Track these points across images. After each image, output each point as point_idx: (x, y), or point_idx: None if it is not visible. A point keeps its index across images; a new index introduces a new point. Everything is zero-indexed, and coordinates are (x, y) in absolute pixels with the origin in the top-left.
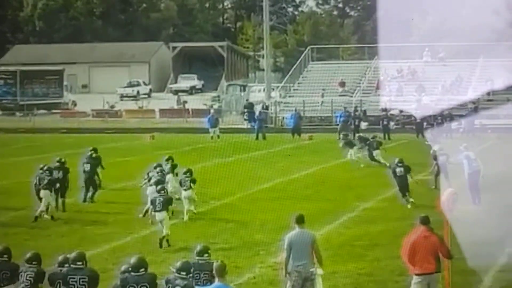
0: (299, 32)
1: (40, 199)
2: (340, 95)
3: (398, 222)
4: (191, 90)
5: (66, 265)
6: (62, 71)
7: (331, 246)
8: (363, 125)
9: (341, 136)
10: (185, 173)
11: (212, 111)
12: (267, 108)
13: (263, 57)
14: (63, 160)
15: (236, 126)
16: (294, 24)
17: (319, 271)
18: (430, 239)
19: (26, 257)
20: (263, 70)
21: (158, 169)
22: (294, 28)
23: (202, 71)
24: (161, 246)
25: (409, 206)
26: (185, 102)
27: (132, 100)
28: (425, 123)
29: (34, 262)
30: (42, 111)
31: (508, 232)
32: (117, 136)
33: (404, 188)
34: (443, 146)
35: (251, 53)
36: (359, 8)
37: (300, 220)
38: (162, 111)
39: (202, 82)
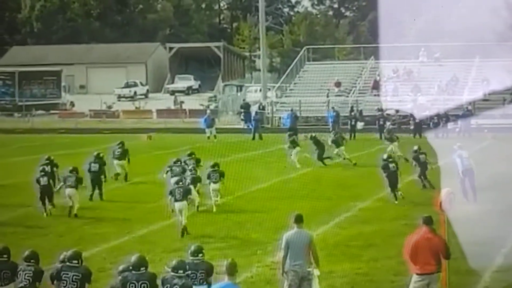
0: (294, 33)
1: (44, 198)
2: (336, 95)
3: (394, 222)
4: (188, 91)
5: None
6: (60, 72)
7: (327, 246)
8: (360, 125)
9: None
10: (212, 166)
11: (208, 111)
12: (263, 108)
13: (259, 58)
14: (101, 154)
15: (232, 126)
16: (289, 25)
17: (316, 271)
18: (433, 240)
19: (24, 256)
20: (259, 70)
21: (178, 163)
22: (290, 28)
23: (198, 71)
24: (183, 235)
25: (396, 202)
26: (182, 102)
27: (129, 100)
28: (421, 123)
29: (32, 261)
30: (40, 111)
31: (505, 232)
32: (114, 137)
33: (394, 183)
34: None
35: (247, 54)
36: (354, 8)
37: (298, 220)
38: (159, 112)
39: (198, 82)
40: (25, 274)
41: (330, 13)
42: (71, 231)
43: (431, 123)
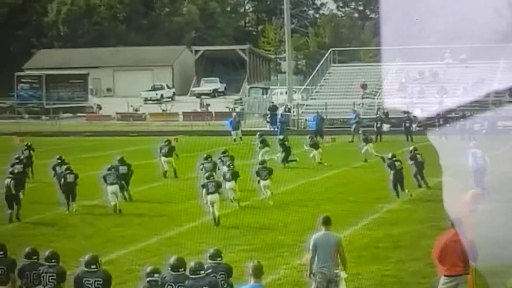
0: (320, 35)
1: (68, 197)
2: (362, 97)
3: (421, 224)
4: (214, 93)
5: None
6: (87, 75)
7: (355, 248)
8: (386, 127)
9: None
10: (261, 163)
11: (234, 114)
12: (289, 110)
13: (284, 60)
14: (124, 158)
15: (258, 129)
16: (315, 27)
17: (343, 274)
18: (460, 242)
19: (45, 256)
20: (284, 72)
21: (208, 159)
22: (315, 31)
23: (224, 74)
24: (218, 224)
25: (398, 198)
26: (208, 105)
27: (156, 103)
28: (447, 125)
29: (53, 261)
30: (67, 114)
31: None
32: (141, 139)
33: (400, 181)
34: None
35: (273, 56)
36: (379, 10)
37: (326, 222)
38: (186, 114)
39: (224, 85)
40: (49, 276)
41: (355, 15)
42: (99, 233)
43: (457, 125)
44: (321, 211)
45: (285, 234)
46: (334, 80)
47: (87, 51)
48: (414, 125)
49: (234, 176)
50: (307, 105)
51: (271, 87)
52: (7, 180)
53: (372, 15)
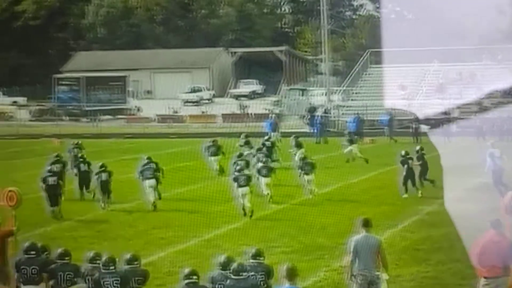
0: (357, 36)
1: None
2: (401, 99)
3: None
4: (252, 95)
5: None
6: (126, 77)
7: (395, 250)
8: (424, 128)
9: None
10: (302, 159)
11: (273, 115)
12: (328, 112)
13: (322, 61)
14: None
15: (297, 130)
16: (352, 28)
17: (384, 275)
18: (500, 243)
19: (88, 258)
20: (322, 74)
21: (241, 157)
22: (352, 31)
23: (262, 76)
24: (251, 216)
25: (406, 195)
26: (246, 107)
27: (195, 105)
28: (485, 126)
29: (97, 262)
30: (107, 116)
31: None
32: (180, 141)
33: (411, 178)
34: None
35: (310, 57)
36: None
37: (367, 224)
38: (224, 116)
39: (262, 86)
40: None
41: (393, 16)
42: (139, 235)
43: (495, 126)
44: (360, 213)
45: (324, 236)
46: (373, 81)
47: (126, 53)
48: (451, 126)
49: (270, 172)
50: (346, 106)
51: (309, 88)
52: (51, 178)
53: (409, 16)
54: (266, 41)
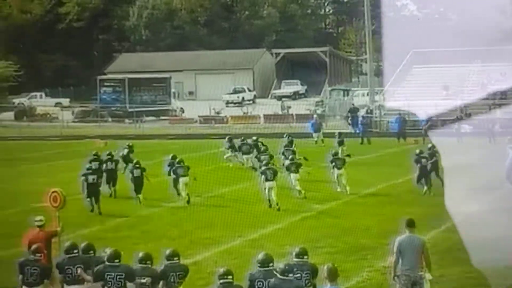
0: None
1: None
2: (444, 99)
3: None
4: (295, 96)
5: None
6: (169, 79)
7: (438, 250)
8: (468, 128)
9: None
10: (335, 154)
11: (315, 116)
12: (371, 112)
13: (365, 62)
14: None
15: (340, 131)
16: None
17: (428, 275)
18: None
19: (138, 258)
20: (365, 74)
21: (266, 152)
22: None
23: (305, 76)
24: (279, 209)
25: (425, 188)
26: (289, 107)
27: (237, 106)
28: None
29: (147, 262)
30: (150, 118)
31: None
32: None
33: (424, 176)
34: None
35: (354, 58)
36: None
37: (410, 224)
38: (267, 117)
39: (305, 87)
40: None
41: (436, 16)
42: (183, 235)
43: None
44: (403, 213)
45: (367, 236)
46: (416, 81)
47: (169, 54)
48: (497, 126)
49: (298, 167)
50: (389, 107)
51: (352, 88)
52: (91, 177)
53: (453, 17)
54: (309, 41)
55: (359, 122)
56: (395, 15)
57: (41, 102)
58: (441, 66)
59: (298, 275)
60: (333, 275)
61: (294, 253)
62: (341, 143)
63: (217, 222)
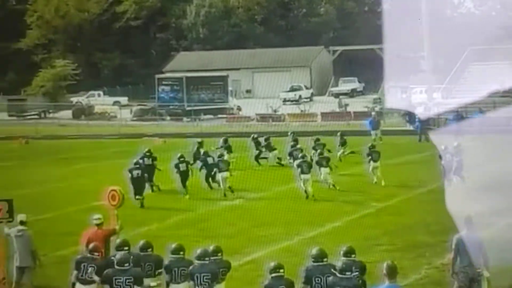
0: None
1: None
2: (501, 96)
3: None
4: (352, 93)
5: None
6: (226, 77)
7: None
8: None
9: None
10: (371, 147)
11: (373, 113)
12: (428, 109)
13: (423, 59)
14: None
15: (398, 128)
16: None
17: (486, 273)
18: None
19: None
20: (423, 71)
21: (296, 147)
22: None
23: (362, 73)
24: (315, 200)
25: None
26: (346, 105)
27: (294, 104)
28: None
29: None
30: (208, 116)
31: None
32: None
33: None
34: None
35: (411, 55)
36: None
37: (469, 222)
38: (324, 114)
39: (362, 84)
40: (203, 276)
41: (493, 13)
42: (240, 232)
43: None
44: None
45: (426, 234)
46: (474, 78)
47: (227, 53)
48: None
49: (328, 162)
50: (447, 104)
51: (410, 86)
52: (135, 171)
53: (511, 13)
54: (366, 39)
55: (417, 119)
56: (452, 12)
57: (99, 100)
58: (498, 63)
59: (348, 273)
60: (392, 273)
61: (341, 252)
62: (343, 144)
63: (274, 220)
